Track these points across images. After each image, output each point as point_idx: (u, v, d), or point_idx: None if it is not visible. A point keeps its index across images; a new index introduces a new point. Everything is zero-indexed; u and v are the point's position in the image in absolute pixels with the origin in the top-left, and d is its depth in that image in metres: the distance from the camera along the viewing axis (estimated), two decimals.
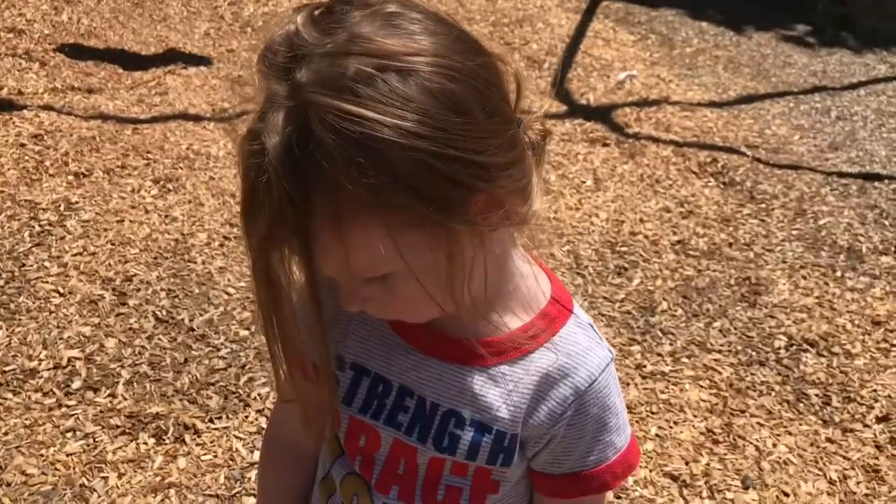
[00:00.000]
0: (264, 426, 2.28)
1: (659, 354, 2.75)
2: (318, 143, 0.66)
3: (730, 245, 3.45)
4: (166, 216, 3.19)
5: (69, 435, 2.20)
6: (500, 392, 0.86)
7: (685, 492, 2.23)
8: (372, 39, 0.68)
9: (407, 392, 0.88)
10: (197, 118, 4.04)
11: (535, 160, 0.82)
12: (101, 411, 2.28)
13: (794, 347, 2.85)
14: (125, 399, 2.33)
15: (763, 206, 3.80)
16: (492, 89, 0.74)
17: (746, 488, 2.25)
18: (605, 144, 4.25)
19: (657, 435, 2.40)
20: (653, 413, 2.49)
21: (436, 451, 0.87)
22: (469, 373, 0.86)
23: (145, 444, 2.20)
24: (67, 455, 2.14)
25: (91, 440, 2.20)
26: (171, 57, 4.77)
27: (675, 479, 2.26)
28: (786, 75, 5.58)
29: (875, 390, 2.65)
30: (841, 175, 4.19)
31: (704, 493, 2.23)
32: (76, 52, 4.60)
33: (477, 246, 0.76)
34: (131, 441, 2.21)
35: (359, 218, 0.69)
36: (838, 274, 3.31)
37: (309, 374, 0.87)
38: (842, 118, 4.97)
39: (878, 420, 2.53)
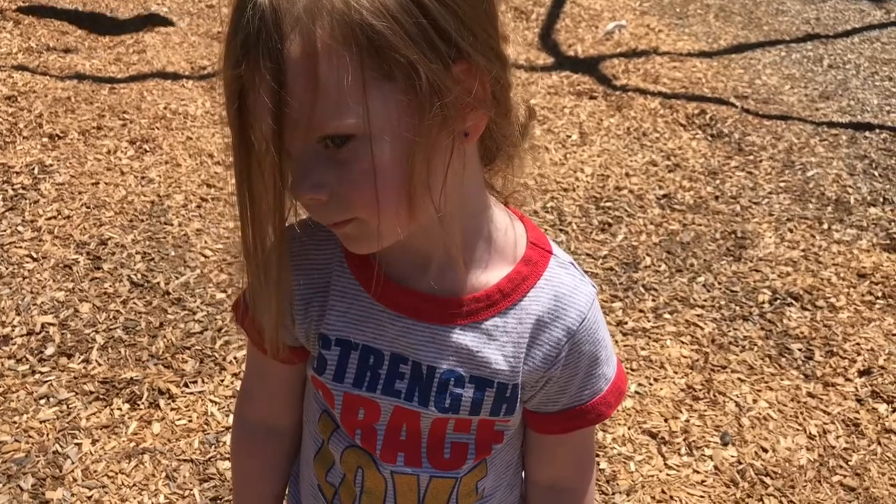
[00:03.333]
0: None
1: (641, 311, 2.73)
2: None
3: (716, 198, 3.41)
4: (142, 178, 3.14)
5: (42, 402, 2.19)
6: (496, 345, 0.85)
7: (664, 448, 2.22)
8: None
9: (400, 359, 0.86)
10: (175, 76, 3.96)
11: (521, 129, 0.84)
12: (74, 377, 2.26)
13: (779, 301, 2.82)
14: (99, 364, 2.31)
15: (751, 157, 3.75)
16: None
17: (725, 444, 2.24)
18: (591, 97, 4.18)
19: (636, 392, 2.39)
20: (633, 370, 2.47)
21: (439, 413, 0.86)
22: (461, 330, 0.85)
23: (119, 409, 2.19)
24: (41, 422, 2.13)
25: (64, 406, 2.18)
26: (150, 14, 4.68)
27: (653, 436, 2.25)
28: (778, 23, 5.47)
29: (858, 343, 2.63)
30: (831, 125, 4.13)
31: (683, 450, 2.22)
32: (51, 10, 4.51)
33: (447, 147, 0.73)
34: (105, 407, 2.19)
35: (336, 45, 0.67)
36: (825, 226, 3.27)
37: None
38: (834, 67, 4.88)
39: (860, 374, 2.51)
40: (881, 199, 3.48)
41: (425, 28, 0.68)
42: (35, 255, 2.68)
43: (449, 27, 0.69)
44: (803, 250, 3.10)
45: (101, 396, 2.22)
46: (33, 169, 3.10)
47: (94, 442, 2.09)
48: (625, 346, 2.56)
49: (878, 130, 4.09)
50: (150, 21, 4.58)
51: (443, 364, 0.85)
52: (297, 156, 0.72)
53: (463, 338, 0.85)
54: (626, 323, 2.66)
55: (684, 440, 2.25)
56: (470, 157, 0.80)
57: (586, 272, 2.86)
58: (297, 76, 0.67)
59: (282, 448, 1.04)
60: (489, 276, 0.85)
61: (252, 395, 1.03)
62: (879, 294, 2.87)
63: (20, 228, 2.80)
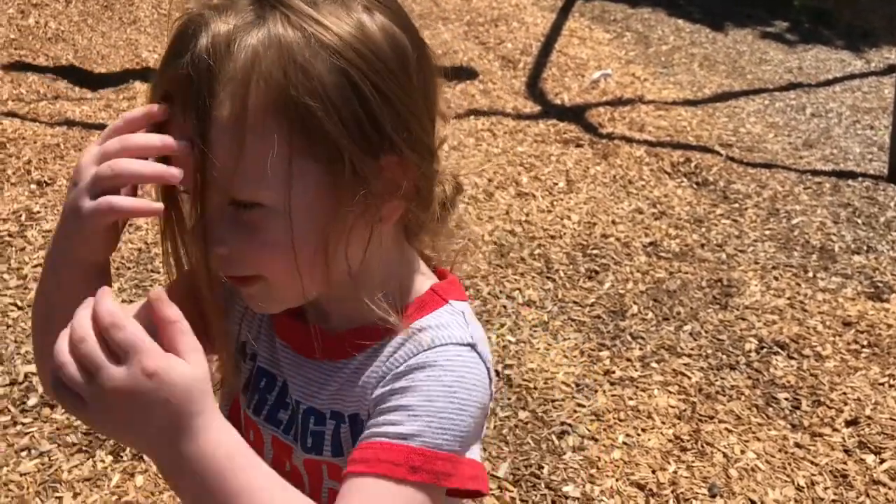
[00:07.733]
0: None
1: (628, 359, 2.73)
2: (267, 30, 0.68)
3: (702, 246, 3.43)
4: (130, 223, 3.14)
5: (24, 454, 2.16)
6: (363, 381, 0.81)
7: (652, 501, 2.20)
8: None
9: (288, 389, 0.86)
10: None
11: (443, 204, 0.84)
12: (57, 428, 2.24)
13: (765, 350, 2.83)
14: None
15: (736, 205, 3.78)
16: (430, 74, 0.77)
17: (713, 496, 2.23)
18: (578, 145, 4.22)
19: (625, 443, 2.38)
20: (620, 420, 2.46)
21: (304, 452, 0.83)
22: (334, 368, 0.83)
23: (102, 461, 2.16)
24: (21, 475, 2.10)
25: (46, 459, 2.15)
26: (141, 60, 4.72)
27: (641, 487, 2.24)
28: (761, 72, 5.56)
29: (844, 393, 2.64)
30: (815, 173, 4.18)
31: (671, 502, 2.20)
32: (43, 56, 4.54)
33: (363, 230, 0.74)
34: (88, 459, 2.16)
35: (266, 118, 0.67)
36: (810, 274, 3.29)
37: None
38: (817, 115, 4.96)
39: (847, 424, 2.51)
40: (865, 248, 3.51)
41: (360, 118, 0.68)
42: (20, 304, 2.67)
43: (384, 121, 0.70)
44: (789, 298, 3.12)
45: (84, 448, 2.19)
46: (20, 216, 3.10)
47: (75, 495, 2.06)
48: (612, 395, 2.56)
49: (860, 179, 4.14)
50: (140, 68, 4.61)
51: (305, 401, 0.84)
52: (212, 194, 0.71)
53: (332, 375, 0.82)
54: (613, 372, 2.66)
55: (672, 492, 2.23)
56: (387, 235, 0.79)
57: (573, 320, 2.87)
58: (222, 139, 0.67)
59: None
60: (374, 317, 0.80)
61: None
62: (865, 343, 2.88)
63: (5, 276, 2.78)
